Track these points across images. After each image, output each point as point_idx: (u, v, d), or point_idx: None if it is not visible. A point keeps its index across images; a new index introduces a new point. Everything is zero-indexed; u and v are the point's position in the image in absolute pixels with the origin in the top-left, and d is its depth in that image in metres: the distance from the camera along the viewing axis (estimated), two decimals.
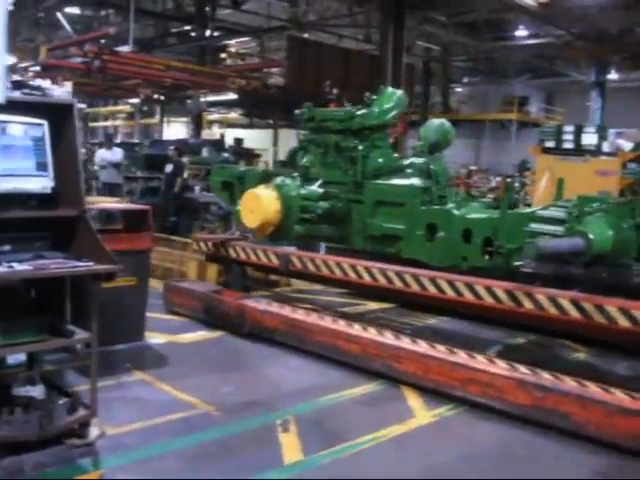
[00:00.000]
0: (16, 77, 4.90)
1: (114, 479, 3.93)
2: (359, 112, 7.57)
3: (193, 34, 25.25)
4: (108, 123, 43.25)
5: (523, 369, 5.25)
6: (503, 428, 4.97)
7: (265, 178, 8.24)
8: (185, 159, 15.79)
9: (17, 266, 3.76)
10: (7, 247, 4.04)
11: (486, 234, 6.22)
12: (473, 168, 29.22)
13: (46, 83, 4.43)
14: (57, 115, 4.26)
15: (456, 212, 6.59)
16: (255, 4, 24.39)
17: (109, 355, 6.08)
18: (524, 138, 32.41)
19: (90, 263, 4.00)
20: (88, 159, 19.07)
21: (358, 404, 5.34)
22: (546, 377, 5.07)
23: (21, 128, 4.11)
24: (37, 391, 4.45)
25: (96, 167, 16.19)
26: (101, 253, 4.04)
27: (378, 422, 4.92)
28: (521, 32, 27.18)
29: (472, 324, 7.62)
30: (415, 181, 7.07)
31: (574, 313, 5.25)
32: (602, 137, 14.34)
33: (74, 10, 25.33)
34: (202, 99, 25.85)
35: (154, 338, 6.81)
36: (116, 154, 15.57)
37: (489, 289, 5.79)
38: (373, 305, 8.66)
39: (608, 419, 4.62)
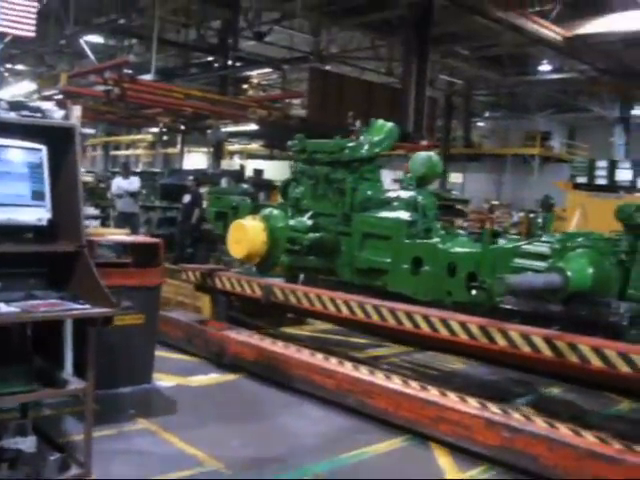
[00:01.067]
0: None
1: None
2: (349, 144, 7.46)
3: (215, 65, 25.18)
4: (129, 152, 43.33)
5: (494, 408, 5.09)
6: None
7: (257, 209, 8.25)
8: (203, 190, 15.51)
9: (3, 307, 3.35)
10: None
11: (470, 269, 6.00)
12: (495, 203, 28.79)
13: (47, 105, 4.05)
14: (57, 139, 3.87)
15: (441, 246, 6.41)
16: (277, 36, 24.31)
17: (112, 399, 5.62)
18: (547, 173, 31.98)
19: (86, 306, 3.58)
20: (107, 187, 18.90)
21: (383, 463, 4.84)
22: (516, 417, 4.94)
23: (16, 153, 3.73)
24: (27, 443, 4.01)
25: (112, 196, 15.89)
26: (100, 293, 3.62)
27: None
28: (544, 67, 26.90)
29: (503, 370, 7.07)
30: (401, 214, 6.93)
31: (547, 352, 5.06)
32: (638, 172, 13.76)
33: (98, 40, 25.38)
34: (223, 129, 25.67)
35: (162, 380, 6.34)
36: (133, 183, 15.28)
37: (463, 325, 5.58)
38: (396, 348, 8.14)
39: (577, 463, 4.43)
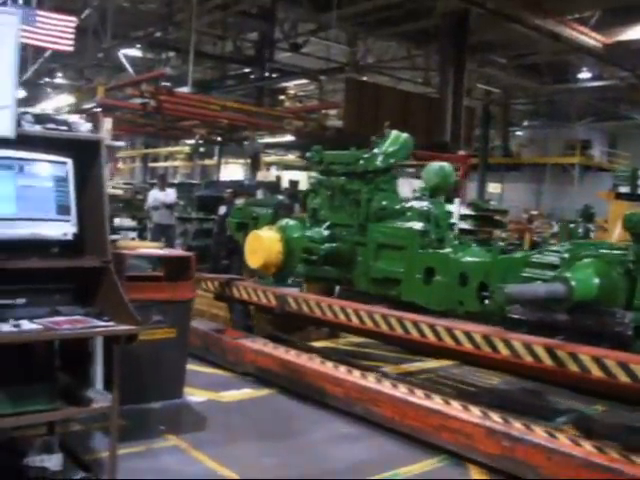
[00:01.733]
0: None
1: None
2: (364, 155, 7.54)
3: (252, 76, 25.28)
4: (167, 164, 43.77)
5: (495, 417, 5.08)
6: None
7: (276, 220, 8.38)
8: (239, 201, 15.49)
9: (25, 324, 3.28)
10: (22, 300, 3.58)
11: (481, 278, 6.05)
12: (534, 213, 28.34)
13: (74, 117, 4.00)
14: (83, 153, 3.81)
15: (452, 256, 6.47)
16: (314, 47, 24.31)
17: (142, 415, 5.56)
18: (587, 183, 31.44)
19: (110, 323, 3.49)
20: (144, 199, 19.02)
21: None
22: (517, 426, 4.90)
23: (41, 167, 3.67)
24: (53, 461, 3.95)
25: (149, 207, 15.91)
26: (124, 310, 3.53)
27: None
28: (584, 74, 26.44)
29: (540, 386, 6.82)
30: (414, 224, 6.98)
31: (548, 361, 5.09)
32: None
33: (136, 53, 25.68)
34: (259, 141, 25.72)
35: (194, 395, 6.24)
36: (169, 195, 15.32)
37: (468, 334, 5.64)
38: (432, 363, 7.95)
39: (575, 473, 4.40)
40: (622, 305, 5.21)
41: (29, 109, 3.89)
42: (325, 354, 7.24)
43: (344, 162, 7.67)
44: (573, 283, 5.08)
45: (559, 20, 18.48)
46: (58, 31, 15.16)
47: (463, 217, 14.08)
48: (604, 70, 24.91)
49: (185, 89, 19.31)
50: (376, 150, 7.55)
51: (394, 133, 7.74)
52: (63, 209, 3.71)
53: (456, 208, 14.27)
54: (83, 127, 3.90)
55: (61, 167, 3.74)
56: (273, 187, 19.31)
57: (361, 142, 8.33)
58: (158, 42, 23.54)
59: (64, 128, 3.82)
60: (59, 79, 29.35)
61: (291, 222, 8.07)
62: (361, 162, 7.47)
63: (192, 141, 29.26)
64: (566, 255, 5.55)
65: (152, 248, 6.67)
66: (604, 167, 32.94)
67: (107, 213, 3.77)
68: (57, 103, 20.92)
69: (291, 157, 35.64)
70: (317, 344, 8.42)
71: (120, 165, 41.71)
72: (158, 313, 5.88)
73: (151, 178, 36.85)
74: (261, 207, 9.65)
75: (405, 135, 7.70)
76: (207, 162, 37.58)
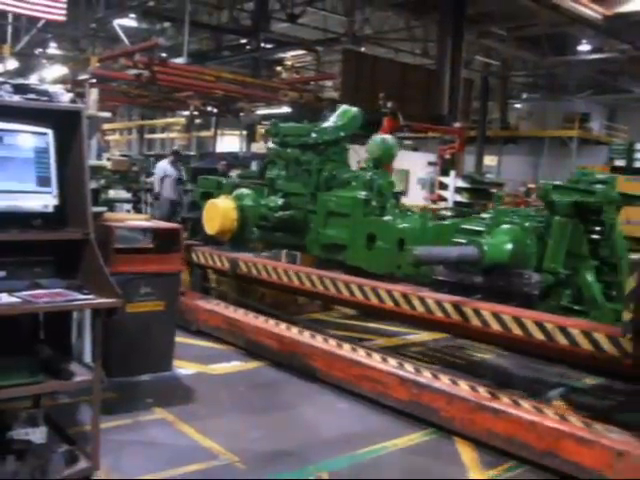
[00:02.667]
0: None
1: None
2: (315, 128, 8.01)
3: (248, 47, 25.01)
4: (164, 135, 43.43)
5: (409, 367, 5.57)
6: None
7: (236, 189, 8.86)
8: (234, 173, 15.37)
9: (4, 298, 3.24)
10: (1, 273, 3.53)
11: (416, 244, 6.36)
12: (531, 186, 28.23)
13: (55, 87, 3.92)
14: (64, 123, 3.74)
15: (391, 222, 6.94)
16: (311, 17, 24.03)
17: (131, 388, 5.57)
18: (585, 156, 31.23)
19: (90, 296, 3.45)
20: (140, 171, 18.88)
21: (402, 459, 4.66)
22: (425, 375, 5.40)
23: (21, 137, 3.60)
24: (37, 434, 3.92)
25: (153, 179, 15.72)
26: (105, 282, 3.49)
27: None
28: (584, 47, 26.19)
29: (532, 361, 6.83)
30: (359, 193, 7.37)
31: (455, 316, 5.66)
32: None
33: (131, 23, 25.38)
34: (256, 112, 25.52)
35: (183, 368, 6.25)
36: (180, 170, 15.24)
37: (389, 293, 6.21)
38: (425, 335, 7.96)
39: (470, 415, 4.90)
40: (533, 268, 5.69)
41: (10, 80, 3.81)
42: (314, 327, 7.23)
43: (297, 134, 8.07)
44: (485, 247, 5.56)
45: None
46: (50, 0, 14.96)
47: (458, 190, 14.10)
48: (604, 43, 24.66)
49: (180, 60, 19.13)
50: (326, 123, 8.01)
51: (343, 107, 8.22)
52: (44, 181, 3.65)
53: (451, 181, 14.31)
54: (64, 97, 3.83)
55: (41, 138, 3.66)
56: None
57: None
58: (152, 12, 23.25)
59: (44, 98, 3.75)
60: (53, 50, 29.04)
61: (246, 191, 8.59)
62: (312, 134, 7.90)
63: (187, 112, 29.03)
64: (489, 222, 6.06)
65: (139, 220, 6.60)
66: (603, 140, 32.77)
67: (88, 185, 3.70)
68: (51, 74, 20.69)
69: None
70: (309, 317, 8.45)
71: (112, 137, 41.32)
72: (147, 285, 5.86)
73: (148, 150, 36.63)
74: (254, 179, 9.66)
75: (354, 109, 8.12)
76: (203, 134, 37.29)
